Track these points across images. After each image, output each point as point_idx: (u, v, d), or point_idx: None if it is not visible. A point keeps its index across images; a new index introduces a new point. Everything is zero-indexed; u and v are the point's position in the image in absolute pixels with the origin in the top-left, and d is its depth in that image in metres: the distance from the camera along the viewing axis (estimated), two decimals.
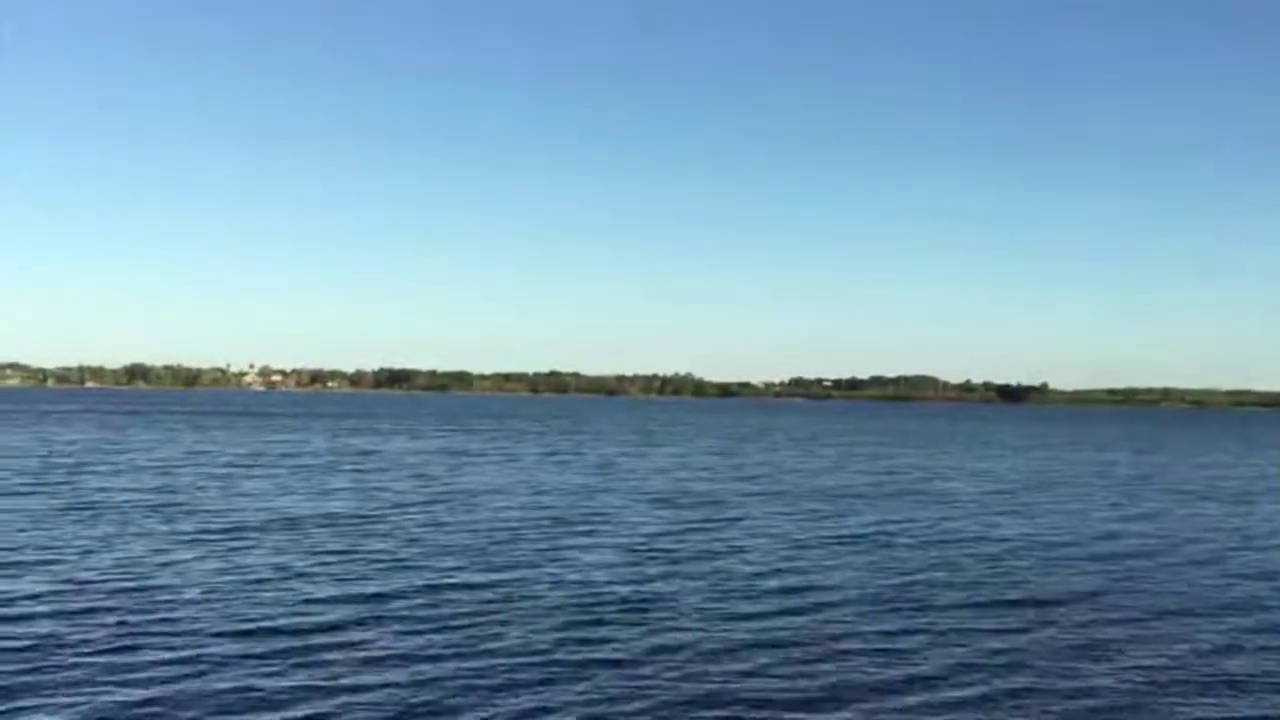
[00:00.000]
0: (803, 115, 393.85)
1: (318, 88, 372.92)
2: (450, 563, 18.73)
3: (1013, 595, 16.99)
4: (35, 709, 10.37)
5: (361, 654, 12.50)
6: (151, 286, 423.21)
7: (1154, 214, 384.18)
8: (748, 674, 12.08)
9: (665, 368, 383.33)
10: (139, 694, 10.83)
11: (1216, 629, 14.97)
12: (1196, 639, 14.31)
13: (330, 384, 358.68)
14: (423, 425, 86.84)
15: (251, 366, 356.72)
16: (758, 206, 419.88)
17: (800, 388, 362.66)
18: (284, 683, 11.33)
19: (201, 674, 11.54)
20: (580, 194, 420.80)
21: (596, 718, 10.59)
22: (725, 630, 14.06)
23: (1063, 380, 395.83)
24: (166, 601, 15.00)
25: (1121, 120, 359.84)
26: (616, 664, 12.34)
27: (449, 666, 12.05)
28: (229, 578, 16.84)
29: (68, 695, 10.74)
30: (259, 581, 16.57)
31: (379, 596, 15.69)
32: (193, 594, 15.56)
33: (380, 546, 20.39)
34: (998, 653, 13.29)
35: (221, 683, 11.25)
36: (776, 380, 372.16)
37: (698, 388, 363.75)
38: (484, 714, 10.59)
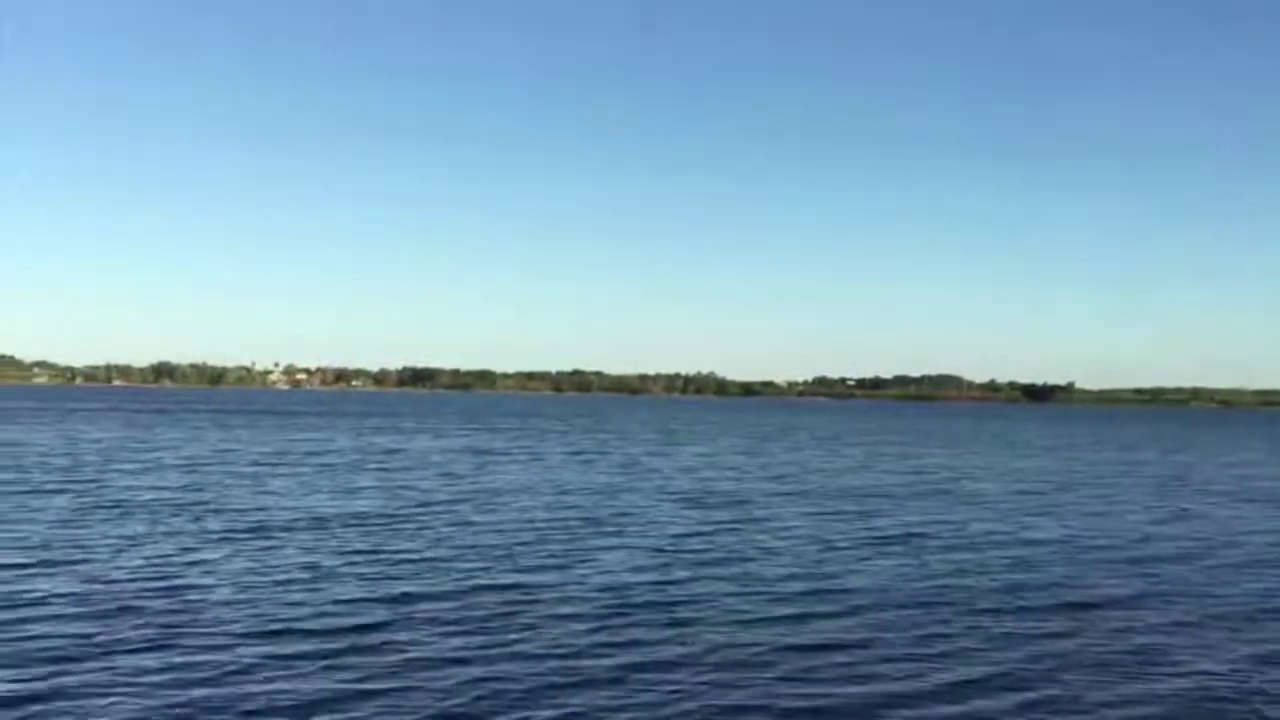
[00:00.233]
0: (830, 116, 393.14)
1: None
2: (478, 563, 18.61)
3: (1050, 599, 16.68)
4: (67, 711, 10.30)
5: (391, 656, 12.38)
6: (177, 286, 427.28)
7: (1161, 214, 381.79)
8: (783, 679, 11.88)
9: (687, 367, 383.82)
10: (170, 696, 10.75)
11: (1262, 635, 14.64)
12: (1243, 646, 13.99)
13: (354, 383, 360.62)
14: (447, 424, 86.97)
15: (276, 365, 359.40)
16: (779, 207, 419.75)
17: (823, 387, 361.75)
18: (314, 685, 11.22)
19: (232, 676, 11.45)
20: (603, 194, 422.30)
21: None
22: (758, 634, 13.86)
23: (1087, 380, 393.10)
24: (196, 601, 14.95)
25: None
26: (650, 668, 12.16)
27: (480, 670, 11.91)
28: (257, 577, 16.79)
29: (99, 697, 10.67)
30: (288, 582, 16.50)
31: (408, 597, 15.59)
32: (222, 594, 15.50)
33: (407, 546, 20.30)
34: (1039, 659, 13.01)
35: (252, 685, 11.16)
36: (799, 379, 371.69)
37: (720, 387, 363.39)
38: (517, 718, 10.45)
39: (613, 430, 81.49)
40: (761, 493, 32.80)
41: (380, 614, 14.46)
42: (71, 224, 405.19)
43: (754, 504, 29.42)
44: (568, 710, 10.69)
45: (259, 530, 22.01)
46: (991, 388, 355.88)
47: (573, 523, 24.39)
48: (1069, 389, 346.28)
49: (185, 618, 13.95)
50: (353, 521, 23.68)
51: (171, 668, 11.66)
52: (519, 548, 20.48)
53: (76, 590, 15.50)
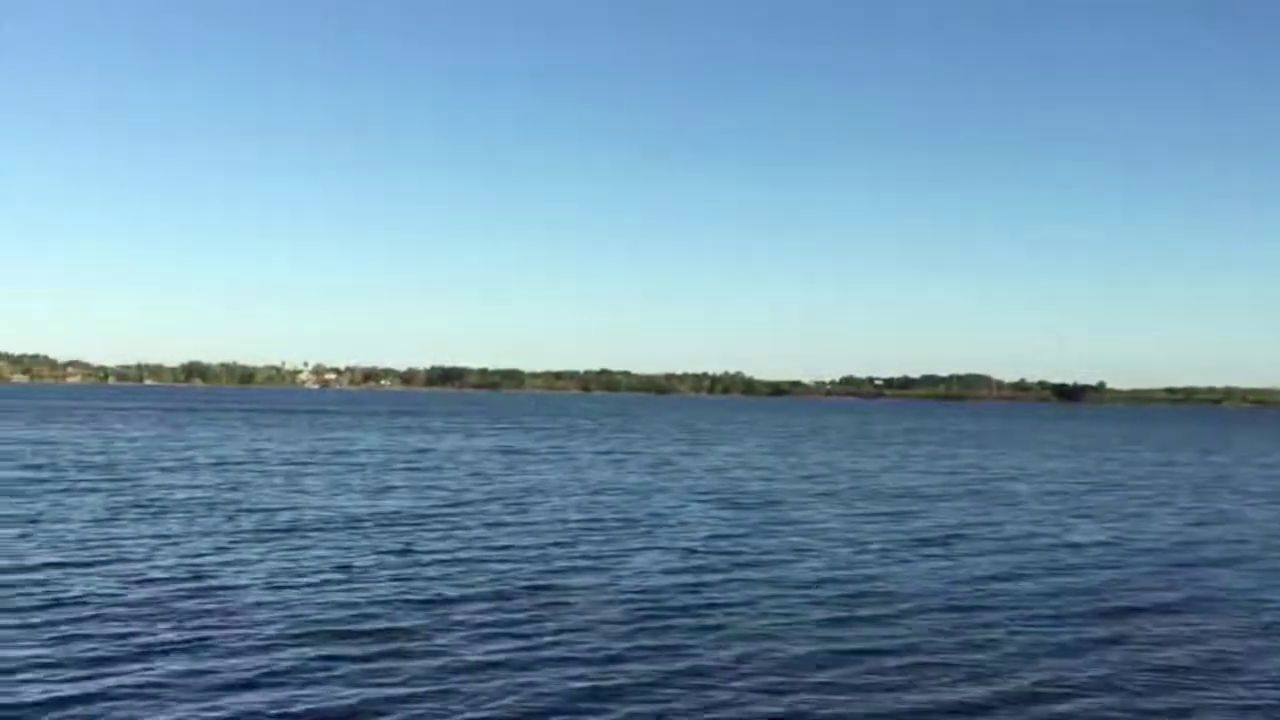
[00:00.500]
0: (861, 116, 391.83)
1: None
2: (511, 564, 18.46)
3: (1095, 604, 16.31)
4: (106, 714, 10.22)
5: (427, 661, 12.23)
6: (208, 287, 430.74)
7: (1191, 212, 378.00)
8: (827, 687, 11.62)
9: (715, 366, 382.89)
10: (207, 700, 10.65)
11: None
12: None
13: (383, 382, 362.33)
14: (475, 423, 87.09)
15: (306, 365, 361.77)
16: (807, 207, 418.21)
17: (851, 386, 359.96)
18: (349, 690, 11.09)
19: (267, 680, 11.34)
20: (631, 194, 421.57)
21: None
22: (798, 639, 13.61)
23: (1118, 379, 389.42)
24: (231, 602, 14.89)
25: (1159, 118, 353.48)
26: (688, 674, 11.94)
27: (518, 676, 11.73)
28: (291, 577, 16.72)
29: (138, 699, 10.59)
30: (321, 583, 16.41)
31: (442, 599, 15.46)
32: (256, 595, 15.43)
33: (439, 546, 20.19)
34: (1089, 666, 12.66)
35: (287, 690, 11.04)
36: (827, 379, 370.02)
37: (748, 386, 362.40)
38: None
39: (641, 430, 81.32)
40: (794, 493, 32.51)
41: (415, 616, 14.33)
42: (104, 226, 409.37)
43: (786, 505, 29.14)
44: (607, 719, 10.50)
45: (292, 530, 21.98)
46: (1021, 387, 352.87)
47: (605, 523, 24.22)
48: (1100, 389, 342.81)
49: (220, 619, 13.88)
50: (385, 521, 23.62)
51: (208, 671, 11.57)
52: (552, 548, 20.33)
53: (113, 590, 15.48)
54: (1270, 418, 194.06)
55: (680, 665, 12.27)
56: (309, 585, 16.22)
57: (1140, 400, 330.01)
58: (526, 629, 13.79)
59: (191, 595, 15.30)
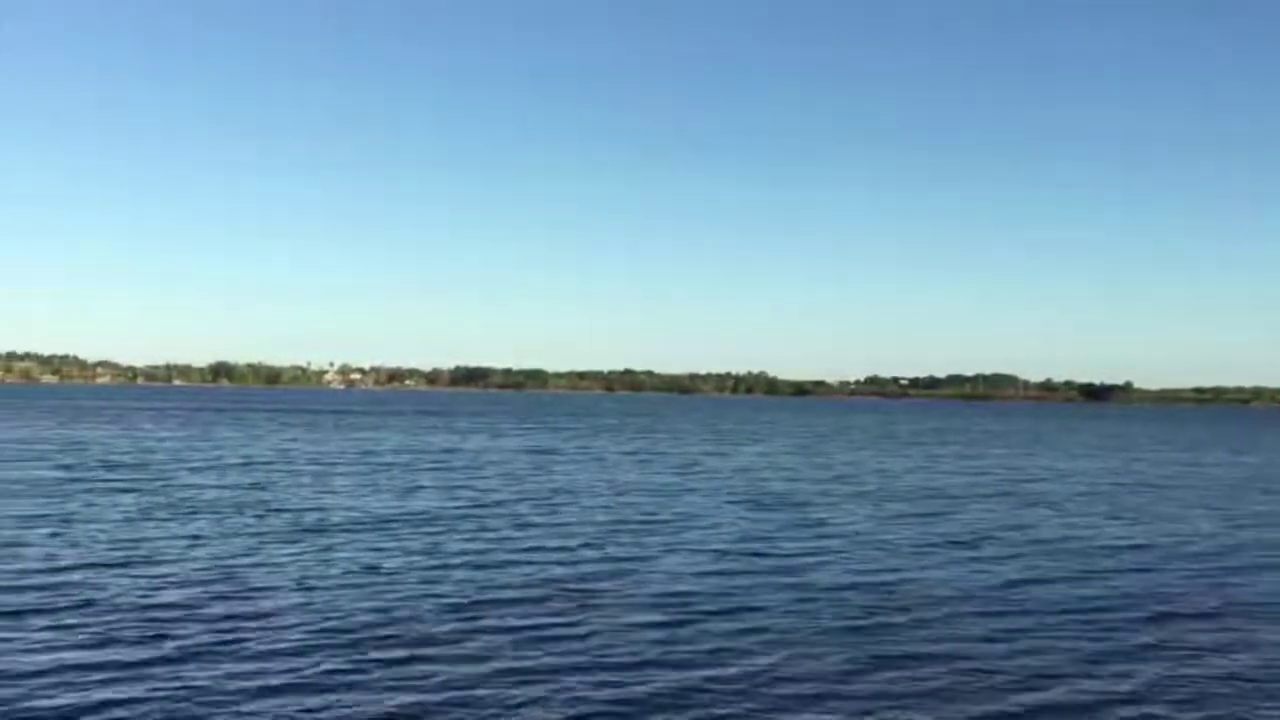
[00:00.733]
0: (889, 114, 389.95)
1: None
2: (540, 566, 18.37)
3: (1134, 610, 16.00)
4: (138, 718, 10.19)
5: (456, 667, 12.12)
6: (235, 288, 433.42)
7: (1215, 212, 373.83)
8: (862, 694, 11.43)
9: (738, 366, 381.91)
10: (238, 705, 10.60)
11: None
12: None
13: (408, 382, 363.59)
14: (501, 423, 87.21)
15: (331, 365, 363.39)
16: (830, 206, 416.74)
17: (875, 386, 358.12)
18: (379, 696, 11.00)
19: (298, 684, 11.27)
20: (654, 194, 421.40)
21: None
22: (832, 644, 13.41)
23: (1147, 379, 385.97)
24: (262, 604, 14.86)
25: (1191, 118, 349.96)
26: (723, 681, 11.77)
27: (550, 682, 11.60)
28: (321, 579, 16.69)
29: (170, 702, 10.55)
30: (351, 585, 16.37)
31: (472, 601, 15.37)
32: (286, 596, 15.39)
33: (469, 547, 20.13)
34: (1131, 675, 12.39)
35: (318, 695, 10.98)
36: (851, 379, 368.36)
37: (771, 386, 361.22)
38: None
39: (667, 430, 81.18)
40: (821, 494, 32.29)
41: (445, 619, 14.26)
42: (133, 228, 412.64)
43: (814, 506, 28.94)
44: None
45: (320, 530, 21.99)
46: (1048, 387, 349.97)
47: (634, 524, 24.10)
48: (1127, 388, 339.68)
49: (252, 622, 13.84)
50: (412, 522, 23.59)
51: (240, 675, 11.51)
52: (582, 549, 20.23)
53: (145, 590, 15.49)
54: None
55: (714, 672, 12.11)
56: (339, 587, 16.18)
57: (1168, 400, 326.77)
58: (557, 633, 13.68)
59: (222, 597, 15.29)
